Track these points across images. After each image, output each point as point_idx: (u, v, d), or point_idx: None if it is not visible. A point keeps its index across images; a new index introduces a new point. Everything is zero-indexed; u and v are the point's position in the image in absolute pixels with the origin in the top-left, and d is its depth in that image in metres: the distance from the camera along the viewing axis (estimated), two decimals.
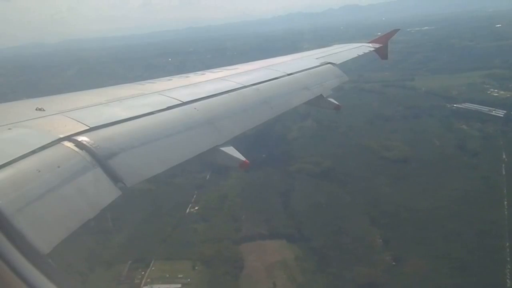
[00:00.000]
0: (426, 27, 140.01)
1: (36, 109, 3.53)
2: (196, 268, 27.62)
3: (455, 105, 52.45)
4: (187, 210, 35.10)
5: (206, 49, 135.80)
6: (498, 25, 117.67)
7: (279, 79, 6.49)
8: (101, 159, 2.89)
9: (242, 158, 4.10)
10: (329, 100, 6.85)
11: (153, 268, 27.72)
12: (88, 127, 3.18)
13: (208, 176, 39.90)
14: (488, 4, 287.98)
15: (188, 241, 30.38)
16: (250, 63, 8.15)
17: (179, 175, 38.81)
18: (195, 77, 6.16)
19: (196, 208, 35.27)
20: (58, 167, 2.58)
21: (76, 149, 2.85)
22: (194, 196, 36.94)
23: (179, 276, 26.95)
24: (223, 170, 38.62)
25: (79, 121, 3.28)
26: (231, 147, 4.14)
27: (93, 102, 4.06)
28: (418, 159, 38.80)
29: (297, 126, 52.21)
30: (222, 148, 4.06)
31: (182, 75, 6.43)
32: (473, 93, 55.40)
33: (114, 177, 2.89)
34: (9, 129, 2.97)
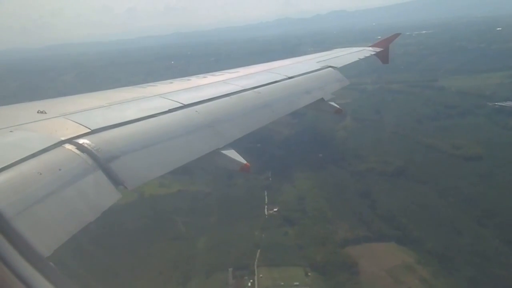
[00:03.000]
0: (424, 31, 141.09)
1: (37, 112, 3.54)
2: (309, 274, 26.66)
3: (497, 103, 52.17)
4: (266, 212, 34.72)
5: (205, 53, 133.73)
6: (499, 29, 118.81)
7: (280, 83, 6.51)
8: (102, 162, 2.90)
9: (243, 161, 4.06)
10: (330, 104, 6.82)
11: (261, 276, 26.88)
12: (89, 130, 3.20)
13: (270, 177, 40.09)
14: (473, 11, 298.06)
15: (285, 245, 29.80)
16: (251, 66, 8.21)
17: (236, 176, 38.92)
18: (196, 80, 6.23)
19: (275, 209, 34.75)
20: (59, 169, 2.59)
21: (77, 152, 2.87)
22: (266, 198, 36.69)
23: (295, 283, 25.96)
24: (283, 171, 39.50)
25: (80, 124, 3.29)
26: (232, 150, 4.12)
27: (94, 105, 4.08)
28: (491, 157, 37.85)
29: (340, 125, 52.21)
30: (223, 151, 4.04)
31: (183, 78, 6.49)
32: (508, 92, 54.75)
33: (115, 180, 2.89)
34: (10, 131, 2.98)
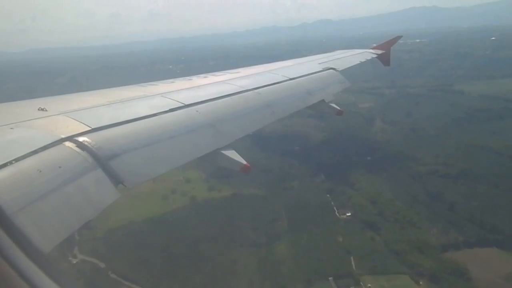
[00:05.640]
0: (418, 40, 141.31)
1: (38, 109, 3.53)
2: (421, 283, 25.85)
3: None
4: (338, 216, 33.98)
5: (202, 58, 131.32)
6: (493, 38, 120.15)
7: (281, 84, 6.49)
8: (102, 160, 2.90)
9: (243, 161, 4.01)
10: (331, 105, 6.83)
11: (369, 285, 26.17)
12: (90, 128, 3.20)
13: (324, 179, 39.80)
14: (458, 23, 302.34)
15: (378, 251, 29.02)
16: (252, 67, 8.20)
17: (287, 179, 39.11)
18: (197, 80, 6.23)
19: (349, 214, 33.95)
20: (59, 167, 2.58)
21: (77, 149, 2.86)
22: (331, 201, 35.99)
23: None
24: (336, 174, 39.18)
25: (81, 122, 3.29)
26: (233, 151, 4.09)
27: (95, 103, 4.06)
28: None
29: (374, 129, 52.13)
30: (224, 152, 4.02)
31: (185, 77, 6.50)
32: None
33: (115, 178, 2.88)
34: (11, 128, 2.98)
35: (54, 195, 2.41)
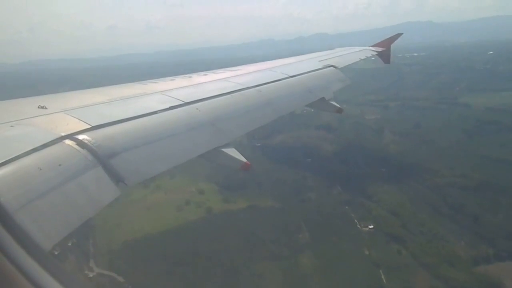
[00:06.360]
0: (416, 53, 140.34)
1: (38, 107, 3.51)
2: None
3: None
4: (360, 229, 33.67)
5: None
6: (490, 52, 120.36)
7: (281, 81, 6.46)
8: (102, 158, 2.89)
9: (243, 159, 3.99)
10: (331, 103, 6.83)
11: None
12: (90, 126, 3.19)
13: (341, 190, 39.56)
14: (452, 37, 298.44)
15: (408, 265, 28.61)
16: (253, 64, 8.15)
17: (304, 190, 38.84)
18: (197, 78, 6.20)
19: (371, 226, 33.63)
20: (59, 165, 2.58)
21: (77, 147, 2.86)
22: (351, 213, 35.68)
23: None
24: (352, 185, 38.73)
25: (81, 120, 3.28)
26: (233, 149, 4.06)
27: (95, 101, 4.05)
28: None
29: (385, 141, 51.88)
30: (224, 150, 3.99)
31: (185, 75, 6.47)
32: None
33: (115, 176, 2.87)
34: (11, 126, 2.98)
35: (55, 193, 2.41)
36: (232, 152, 4.01)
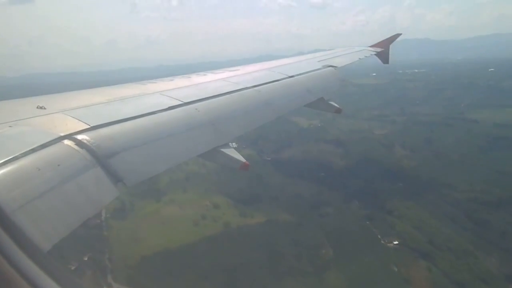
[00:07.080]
0: (416, 70, 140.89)
1: (37, 107, 3.50)
2: None
3: None
4: (384, 244, 32.80)
5: None
6: (491, 69, 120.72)
7: (280, 81, 6.45)
8: (101, 158, 2.88)
9: (243, 159, 3.99)
10: (330, 103, 6.83)
11: None
12: (88, 126, 3.18)
13: (359, 205, 38.94)
14: (449, 55, 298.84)
15: (439, 283, 27.89)
16: (252, 65, 8.18)
17: (322, 205, 38.33)
18: (196, 78, 6.17)
19: (396, 242, 32.82)
20: (58, 165, 2.57)
21: (76, 147, 2.85)
22: (373, 229, 34.98)
23: None
24: (370, 201, 38.27)
25: (80, 120, 3.27)
26: (232, 149, 4.08)
27: (94, 101, 4.03)
28: None
29: (396, 156, 51.36)
30: (223, 149, 3.99)
31: (183, 75, 6.46)
32: None
33: (114, 176, 2.87)
34: (10, 126, 2.97)
35: (53, 193, 2.40)
36: (231, 152, 4.00)
